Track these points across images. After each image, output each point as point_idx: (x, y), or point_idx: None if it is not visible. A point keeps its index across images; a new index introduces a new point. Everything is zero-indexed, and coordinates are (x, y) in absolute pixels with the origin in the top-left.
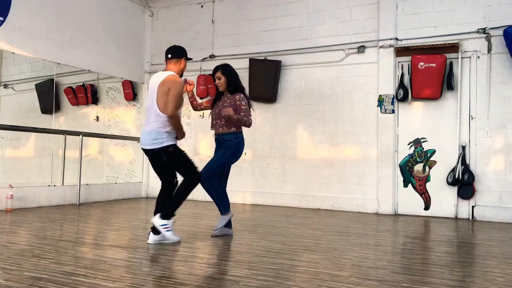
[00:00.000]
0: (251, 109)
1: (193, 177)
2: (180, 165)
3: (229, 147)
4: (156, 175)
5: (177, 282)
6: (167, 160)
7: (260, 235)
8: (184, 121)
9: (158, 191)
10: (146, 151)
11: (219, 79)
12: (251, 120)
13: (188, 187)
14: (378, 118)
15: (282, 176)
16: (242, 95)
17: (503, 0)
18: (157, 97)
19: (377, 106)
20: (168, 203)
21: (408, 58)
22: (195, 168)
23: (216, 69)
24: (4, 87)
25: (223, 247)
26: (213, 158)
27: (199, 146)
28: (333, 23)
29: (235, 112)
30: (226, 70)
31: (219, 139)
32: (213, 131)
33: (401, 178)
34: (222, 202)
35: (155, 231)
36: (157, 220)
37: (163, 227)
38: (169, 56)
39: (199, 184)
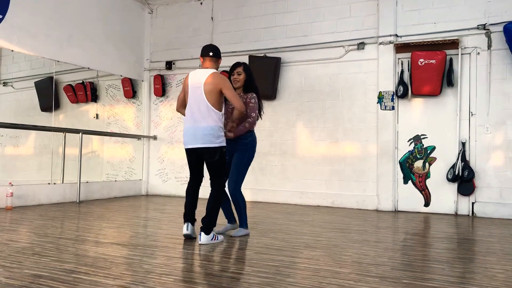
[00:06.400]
0: (262, 112)
1: (221, 180)
2: (220, 166)
3: (245, 148)
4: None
5: (178, 279)
6: (218, 159)
7: (261, 232)
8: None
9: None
10: (197, 148)
11: (239, 74)
12: (254, 116)
13: (218, 192)
14: (378, 114)
15: (282, 173)
16: (254, 94)
17: None
18: (206, 94)
19: (377, 103)
20: (207, 214)
21: (408, 55)
22: (226, 173)
23: (238, 64)
24: (3, 85)
25: (224, 244)
26: (233, 167)
27: None
28: (333, 19)
29: (238, 125)
30: (247, 68)
31: (234, 138)
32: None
33: (401, 175)
34: (246, 215)
35: (206, 230)
36: (205, 239)
37: (212, 240)
38: (211, 54)
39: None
